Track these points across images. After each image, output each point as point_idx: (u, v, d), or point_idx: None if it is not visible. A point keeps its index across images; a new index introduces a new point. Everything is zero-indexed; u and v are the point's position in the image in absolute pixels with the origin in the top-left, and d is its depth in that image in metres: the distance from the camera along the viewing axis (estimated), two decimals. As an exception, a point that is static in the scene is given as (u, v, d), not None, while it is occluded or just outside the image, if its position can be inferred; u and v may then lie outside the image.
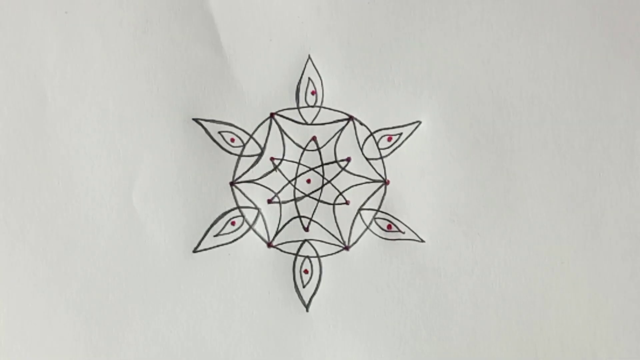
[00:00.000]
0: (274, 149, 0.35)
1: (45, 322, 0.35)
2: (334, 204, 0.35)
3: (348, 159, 0.35)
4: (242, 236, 0.35)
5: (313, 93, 0.35)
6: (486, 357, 0.35)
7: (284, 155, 0.35)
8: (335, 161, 0.35)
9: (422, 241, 0.35)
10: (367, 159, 0.35)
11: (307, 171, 0.35)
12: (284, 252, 0.35)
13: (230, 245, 0.35)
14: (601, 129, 0.35)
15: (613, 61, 0.34)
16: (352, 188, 0.35)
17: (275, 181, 0.35)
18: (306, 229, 0.35)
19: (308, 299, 0.35)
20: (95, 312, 0.35)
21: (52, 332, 0.35)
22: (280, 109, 0.35)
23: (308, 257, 0.35)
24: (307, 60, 0.35)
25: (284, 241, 0.35)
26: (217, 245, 0.35)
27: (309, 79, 0.35)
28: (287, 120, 0.35)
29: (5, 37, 0.34)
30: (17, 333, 0.35)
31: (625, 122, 0.35)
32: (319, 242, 0.35)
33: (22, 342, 0.35)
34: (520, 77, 0.35)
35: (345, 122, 0.35)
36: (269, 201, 0.35)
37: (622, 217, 0.35)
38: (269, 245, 0.35)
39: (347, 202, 0.35)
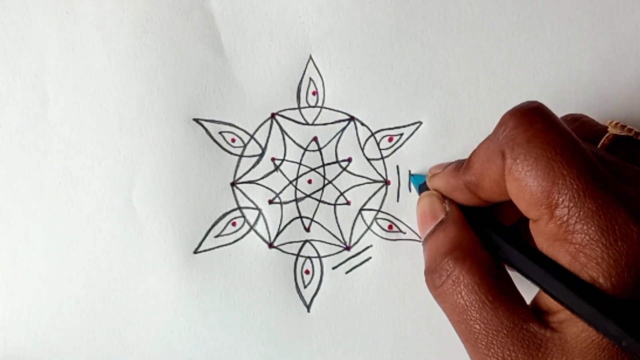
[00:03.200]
0: (275, 149, 0.35)
1: (47, 322, 0.35)
2: (335, 205, 0.35)
3: (349, 159, 0.35)
4: (243, 237, 0.35)
5: (314, 93, 0.35)
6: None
7: (285, 155, 0.35)
8: (337, 161, 0.35)
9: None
10: (368, 159, 0.35)
11: (308, 171, 0.35)
12: (285, 252, 0.35)
13: (231, 246, 0.35)
14: (601, 129, 0.35)
15: (613, 61, 0.35)
16: (353, 188, 0.35)
17: (276, 181, 0.35)
18: (307, 230, 0.35)
19: (309, 300, 0.35)
20: (97, 313, 0.35)
21: (55, 332, 0.35)
22: (281, 109, 0.35)
23: (309, 257, 0.35)
24: (309, 61, 0.35)
25: (285, 242, 0.35)
26: (218, 246, 0.35)
27: (310, 79, 0.35)
28: (288, 121, 0.35)
29: (6, 37, 0.34)
30: (20, 333, 0.35)
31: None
32: (320, 243, 0.35)
33: (25, 342, 0.35)
34: (520, 77, 0.35)
35: (347, 122, 0.35)
36: (270, 202, 0.35)
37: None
38: (270, 245, 0.35)
39: (348, 203, 0.35)
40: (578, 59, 0.35)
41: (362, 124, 0.35)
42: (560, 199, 0.25)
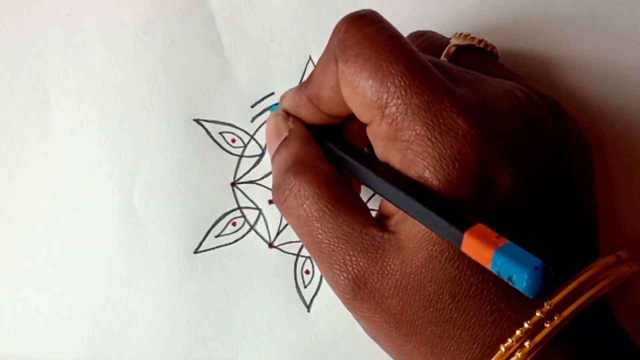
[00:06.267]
0: (274, 149, 0.35)
1: (48, 322, 0.35)
2: (335, 204, 0.35)
3: (349, 159, 0.35)
4: (243, 237, 0.35)
5: (314, 93, 0.35)
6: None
7: (284, 155, 0.35)
8: (336, 161, 0.35)
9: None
10: (368, 159, 0.35)
11: (308, 171, 0.35)
12: (285, 252, 0.35)
13: (231, 245, 0.35)
14: (601, 128, 0.35)
15: (613, 61, 0.35)
16: (353, 188, 0.35)
17: (276, 181, 0.35)
18: (307, 230, 0.35)
19: (309, 300, 0.35)
20: (98, 313, 0.35)
21: (55, 333, 0.35)
22: (281, 109, 0.35)
23: (309, 257, 0.35)
24: (308, 61, 0.35)
25: (285, 241, 0.35)
26: (218, 246, 0.35)
27: (310, 79, 0.35)
28: (288, 121, 0.35)
29: (8, 39, 0.35)
30: (21, 333, 0.35)
31: (625, 122, 0.35)
32: (320, 243, 0.35)
33: (25, 342, 0.35)
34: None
35: (346, 122, 0.35)
36: (270, 202, 0.35)
37: (621, 219, 0.35)
38: (270, 245, 0.35)
39: (348, 203, 0.35)
40: (578, 59, 0.35)
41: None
42: (390, 98, 0.25)
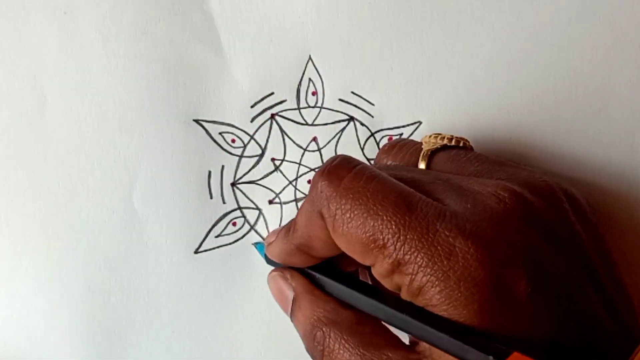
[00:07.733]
0: (274, 149, 0.35)
1: (47, 323, 0.35)
2: (334, 205, 0.35)
3: (349, 160, 0.35)
4: (243, 237, 0.35)
5: (314, 94, 0.35)
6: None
7: (284, 155, 0.35)
8: (336, 162, 0.35)
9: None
10: (368, 160, 0.35)
11: (308, 172, 0.35)
12: (285, 252, 0.35)
13: (231, 245, 0.35)
14: (601, 129, 0.35)
15: (613, 61, 0.35)
16: (353, 188, 0.35)
17: (276, 182, 0.35)
18: (307, 230, 0.35)
19: (309, 300, 0.35)
20: (97, 313, 0.35)
21: (55, 333, 0.35)
22: (281, 109, 0.35)
23: (309, 257, 0.35)
24: (308, 61, 0.35)
25: (285, 242, 0.35)
26: (219, 246, 0.35)
27: (310, 79, 0.35)
28: (288, 121, 0.35)
29: (4, 38, 0.34)
30: (20, 334, 0.35)
31: (625, 122, 0.35)
32: (320, 243, 0.35)
33: (25, 343, 0.35)
34: (520, 77, 0.35)
35: (346, 122, 0.35)
36: (270, 202, 0.35)
37: (621, 218, 0.35)
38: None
39: (348, 203, 0.35)
40: (578, 59, 0.35)
41: (362, 124, 0.35)
42: (385, 239, 0.25)
